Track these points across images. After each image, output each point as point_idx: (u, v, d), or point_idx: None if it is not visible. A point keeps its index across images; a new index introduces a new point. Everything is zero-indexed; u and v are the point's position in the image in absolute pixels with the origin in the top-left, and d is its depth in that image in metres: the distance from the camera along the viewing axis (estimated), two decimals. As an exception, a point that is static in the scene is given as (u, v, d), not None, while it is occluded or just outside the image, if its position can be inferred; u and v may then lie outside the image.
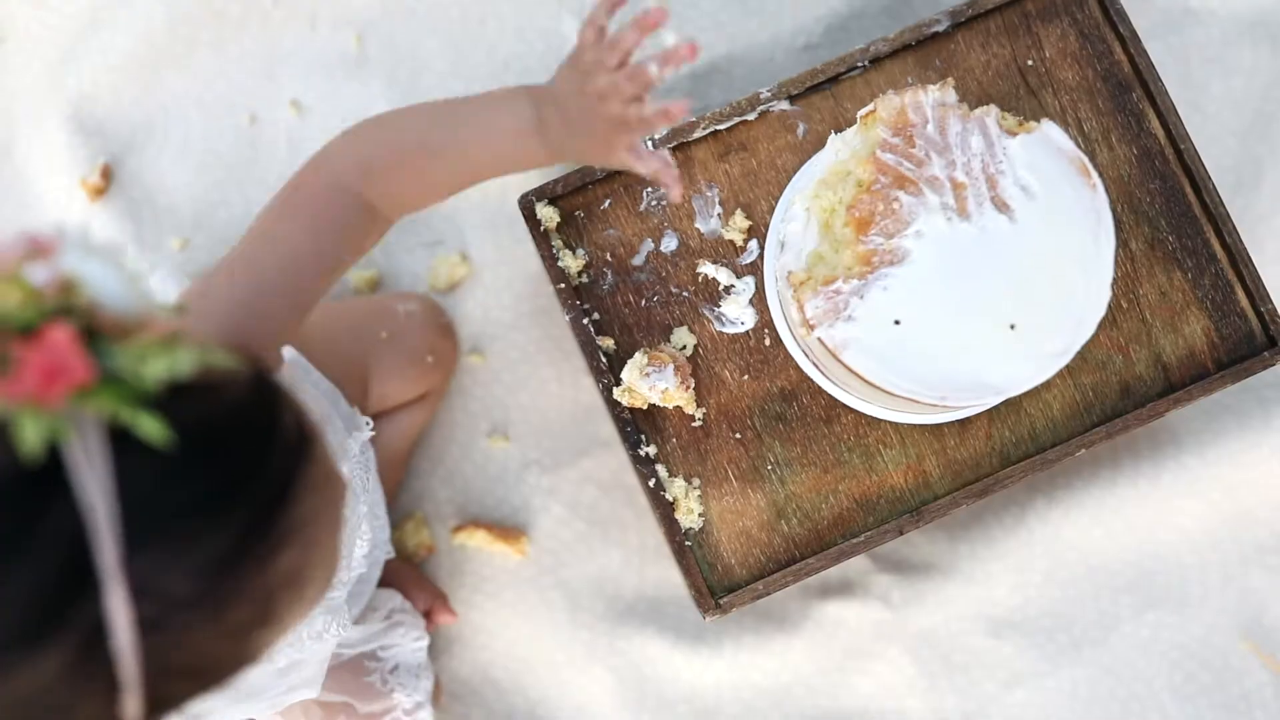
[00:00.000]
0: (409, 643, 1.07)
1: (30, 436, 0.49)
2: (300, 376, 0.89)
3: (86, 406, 0.50)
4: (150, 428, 0.50)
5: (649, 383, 0.95)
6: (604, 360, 0.99)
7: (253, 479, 0.55)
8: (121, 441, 0.51)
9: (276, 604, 0.57)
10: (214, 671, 0.57)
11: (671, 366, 0.96)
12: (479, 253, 1.23)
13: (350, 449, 0.88)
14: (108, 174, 1.23)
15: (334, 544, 0.61)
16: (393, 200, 0.81)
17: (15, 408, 0.49)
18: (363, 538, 0.92)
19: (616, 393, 0.97)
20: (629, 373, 0.96)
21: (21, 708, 0.51)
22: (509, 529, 1.21)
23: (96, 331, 0.51)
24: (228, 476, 0.54)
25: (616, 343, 1.00)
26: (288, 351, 0.80)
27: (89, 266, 0.52)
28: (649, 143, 0.93)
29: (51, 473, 0.50)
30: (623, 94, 0.76)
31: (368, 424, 0.91)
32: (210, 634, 0.55)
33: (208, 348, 0.55)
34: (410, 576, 1.16)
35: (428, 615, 1.14)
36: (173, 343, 0.52)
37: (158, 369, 0.51)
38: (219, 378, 0.55)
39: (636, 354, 0.97)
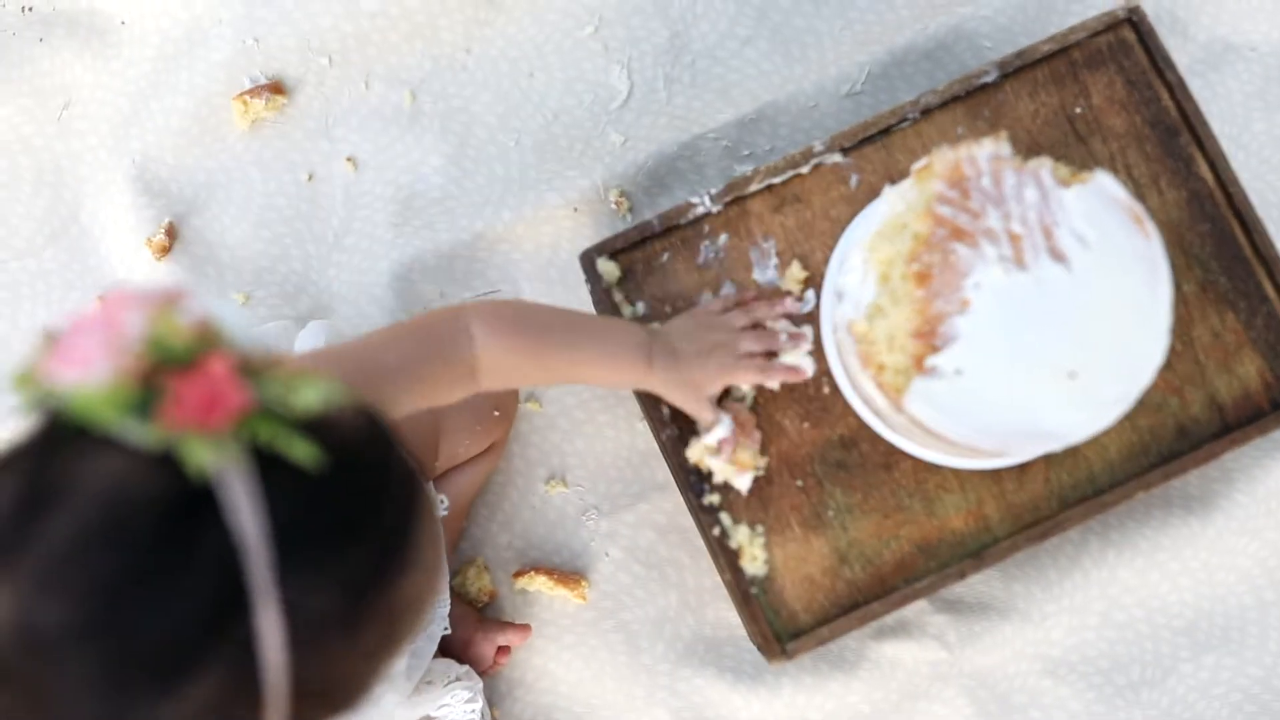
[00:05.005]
0: (459, 704, 1.09)
1: (197, 458, 0.51)
2: None
3: (244, 433, 0.53)
4: (303, 451, 0.53)
5: (719, 461, 0.99)
6: (665, 411, 1.01)
7: (382, 503, 0.58)
8: (267, 466, 0.53)
9: (400, 627, 0.60)
10: (341, 694, 0.59)
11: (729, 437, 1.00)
12: (534, 301, 1.26)
13: None
14: (172, 233, 1.26)
15: (441, 572, 0.64)
16: (493, 369, 0.89)
17: (178, 435, 0.52)
18: None
19: (691, 451, 1.00)
20: (695, 452, 1.00)
21: None
22: (569, 573, 1.22)
23: (244, 364, 0.54)
24: (363, 500, 0.57)
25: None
26: None
27: (223, 310, 0.55)
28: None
29: (205, 499, 0.52)
30: (742, 347, 0.94)
31: (442, 501, 0.93)
32: (345, 654, 0.57)
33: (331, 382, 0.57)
34: (474, 624, 1.18)
35: (501, 650, 1.16)
36: (313, 375, 0.55)
37: (310, 396, 0.54)
38: (342, 412, 0.58)
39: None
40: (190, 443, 0.52)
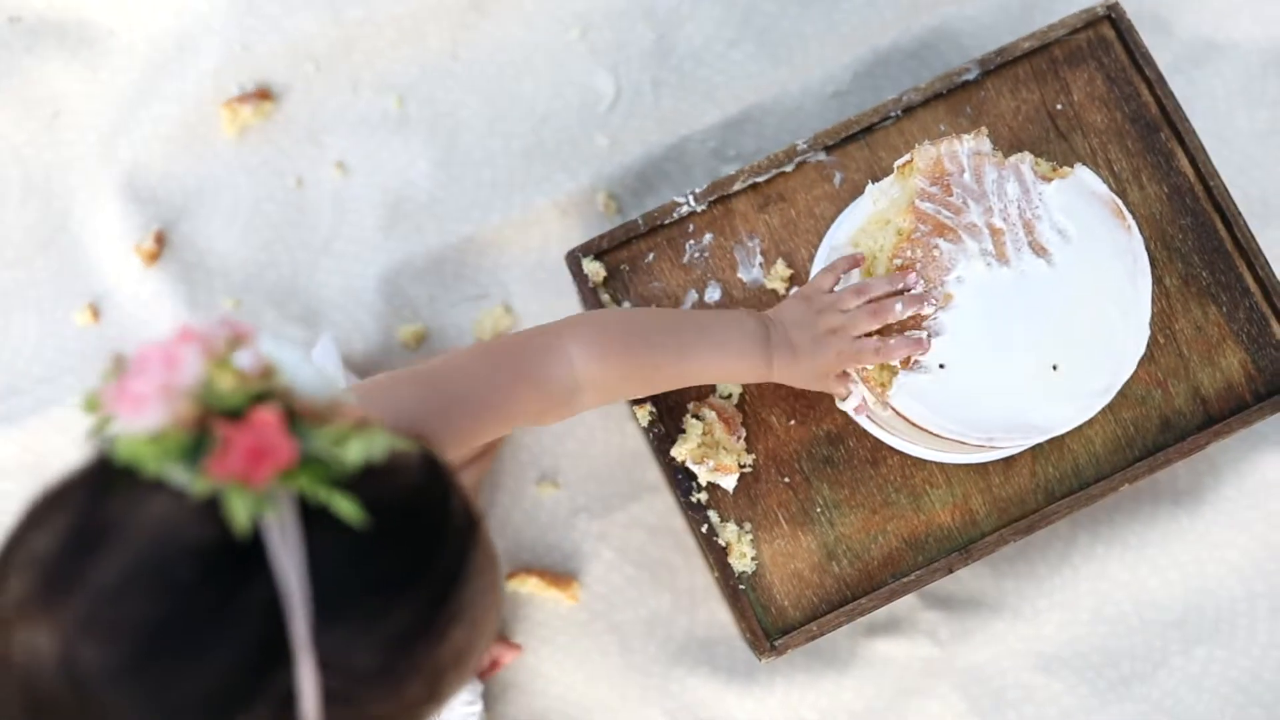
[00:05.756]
0: (460, 705, 1.09)
1: (240, 513, 0.51)
2: None
3: (287, 486, 0.53)
4: (346, 508, 0.53)
5: (704, 468, 0.99)
6: (653, 410, 1.01)
7: (432, 558, 0.57)
8: (314, 520, 0.53)
9: (445, 681, 0.59)
10: None
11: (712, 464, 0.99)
12: (522, 304, 1.26)
13: None
14: (161, 239, 1.27)
15: (494, 623, 0.63)
16: (599, 390, 0.87)
17: (223, 485, 0.52)
18: None
19: (676, 451, 0.99)
20: (679, 450, 0.99)
21: None
22: (560, 575, 1.23)
23: (295, 415, 0.54)
24: (410, 555, 0.56)
25: (664, 393, 1.02)
26: None
27: (283, 353, 0.55)
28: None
29: (250, 548, 0.52)
30: (858, 329, 0.86)
31: None
32: (386, 708, 0.57)
33: (388, 432, 0.57)
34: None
35: (493, 662, 1.16)
36: (366, 428, 0.55)
37: (356, 452, 0.54)
38: (397, 461, 0.57)
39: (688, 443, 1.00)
40: (234, 495, 0.52)
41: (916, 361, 0.88)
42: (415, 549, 0.57)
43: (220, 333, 0.54)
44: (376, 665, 0.55)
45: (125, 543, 0.53)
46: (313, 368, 0.56)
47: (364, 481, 0.54)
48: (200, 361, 0.53)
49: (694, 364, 0.89)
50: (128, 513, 0.53)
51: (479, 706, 1.13)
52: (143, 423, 0.52)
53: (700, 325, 0.90)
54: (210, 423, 0.53)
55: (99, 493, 0.54)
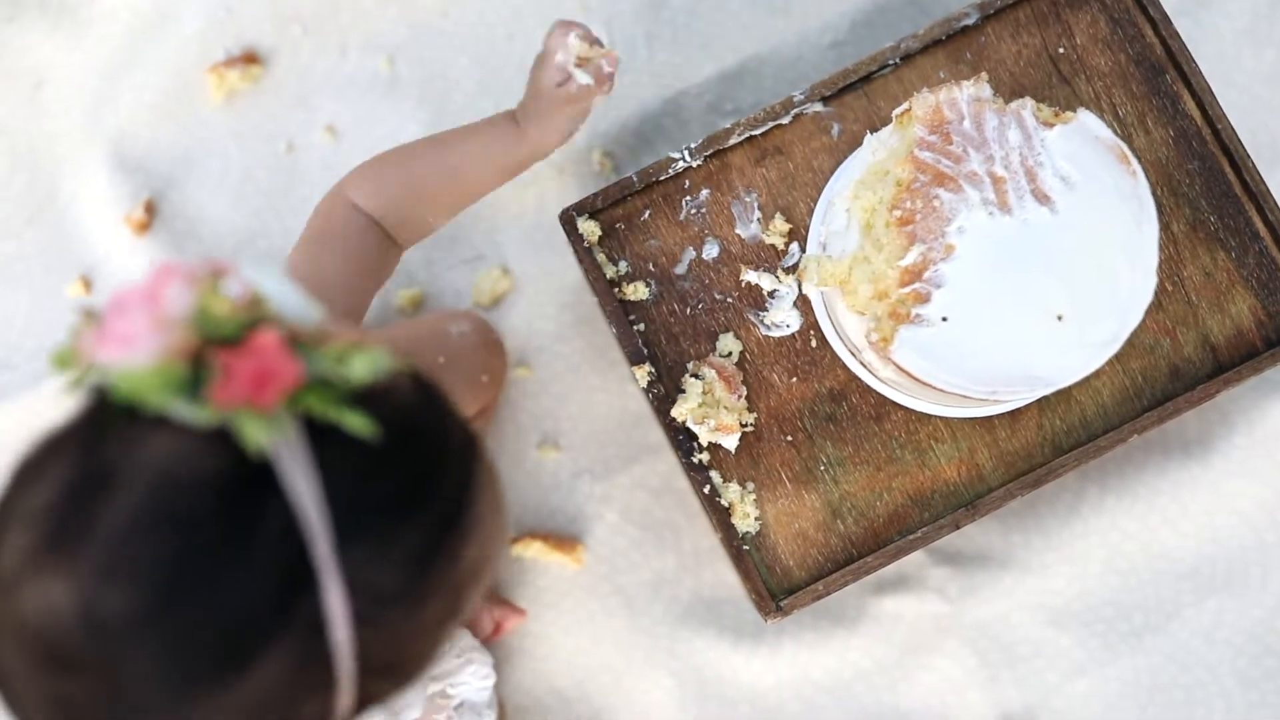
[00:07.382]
0: (476, 680, 1.08)
1: (255, 436, 0.51)
2: None
3: (296, 407, 0.52)
4: (357, 423, 0.52)
5: (704, 428, 0.97)
6: (652, 371, 1.00)
7: (441, 473, 0.57)
8: (320, 442, 0.52)
9: (463, 597, 0.59)
10: (407, 667, 0.59)
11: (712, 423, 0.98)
12: (519, 266, 1.25)
13: None
14: (151, 209, 1.25)
15: (503, 539, 0.63)
16: (408, 228, 0.91)
17: (231, 412, 0.51)
18: None
19: (676, 411, 0.98)
20: (679, 410, 0.97)
21: (255, 712, 0.53)
22: (565, 538, 1.22)
23: (294, 337, 0.53)
24: (418, 473, 0.56)
25: (663, 352, 1.01)
26: None
27: (267, 281, 0.54)
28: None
29: (261, 475, 0.52)
30: (554, 49, 0.89)
31: None
32: (410, 629, 0.56)
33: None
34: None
35: (497, 626, 1.15)
36: (366, 346, 0.54)
37: (362, 368, 0.53)
38: (391, 381, 0.56)
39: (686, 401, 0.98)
40: (245, 420, 0.51)
41: (918, 315, 0.86)
42: (422, 466, 0.56)
43: (201, 267, 0.53)
44: (398, 584, 0.54)
45: (132, 483, 0.52)
46: (297, 293, 0.55)
47: (364, 402, 0.53)
48: (188, 293, 0.52)
49: (455, 158, 0.92)
50: (129, 453, 0.52)
51: (493, 680, 1.12)
52: (136, 359, 0.51)
53: (457, 129, 0.95)
54: (205, 353, 0.51)
55: (97, 435, 0.53)
